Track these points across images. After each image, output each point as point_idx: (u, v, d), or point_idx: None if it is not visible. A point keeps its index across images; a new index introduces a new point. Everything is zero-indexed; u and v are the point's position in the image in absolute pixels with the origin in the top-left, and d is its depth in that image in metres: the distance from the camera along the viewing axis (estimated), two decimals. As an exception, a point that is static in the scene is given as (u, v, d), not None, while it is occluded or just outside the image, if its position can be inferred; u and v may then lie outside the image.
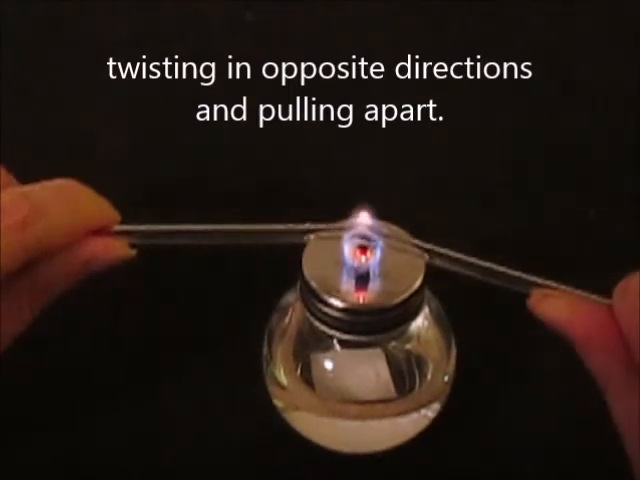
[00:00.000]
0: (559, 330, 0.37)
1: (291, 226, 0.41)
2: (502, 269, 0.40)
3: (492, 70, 0.63)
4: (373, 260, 0.41)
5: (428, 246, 0.41)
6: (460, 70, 0.63)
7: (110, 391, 0.48)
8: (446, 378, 0.44)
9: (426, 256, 0.41)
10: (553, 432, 0.46)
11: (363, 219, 0.41)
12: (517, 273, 0.40)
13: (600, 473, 0.45)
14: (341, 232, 0.41)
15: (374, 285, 0.41)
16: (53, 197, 0.38)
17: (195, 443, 0.46)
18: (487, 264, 0.40)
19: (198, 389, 0.48)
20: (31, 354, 0.41)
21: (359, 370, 0.43)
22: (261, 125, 0.60)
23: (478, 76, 0.63)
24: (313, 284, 0.41)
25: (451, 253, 0.41)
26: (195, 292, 0.51)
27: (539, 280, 0.39)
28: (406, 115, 0.61)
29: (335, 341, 0.42)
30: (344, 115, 0.61)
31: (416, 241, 0.41)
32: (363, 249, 0.41)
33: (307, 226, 0.41)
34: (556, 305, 0.38)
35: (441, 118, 0.60)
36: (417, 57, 0.64)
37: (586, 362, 0.37)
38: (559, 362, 0.48)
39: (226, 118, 0.60)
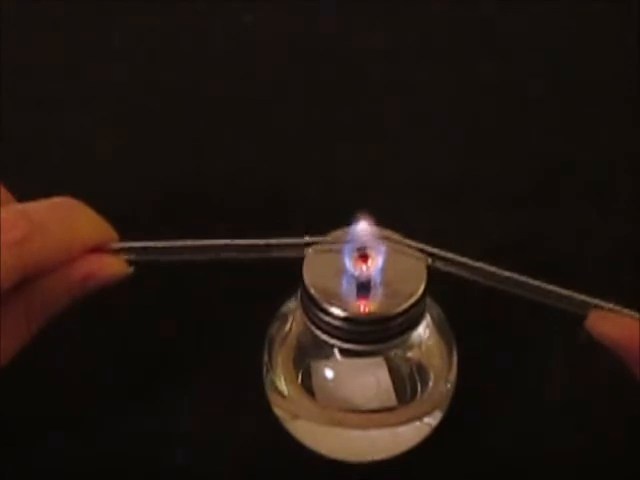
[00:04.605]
0: (615, 349, 0.38)
1: (290, 240, 0.41)
2: (508, 274, 0.40)
3: (493, 72, 0.63)
4: (374, 269, 0.41)
5: (431, 249, 0.41)
6: (461, 72, 0.63)
7: (110, 394, 0.48)
8: (448, 386, 0.44)
9: (429, 260, 0.41)
10: (554, 433, 0.46)
11: (362, 228, 0.41)
12: (537, 282, 0.40)
13: (600, 473, 0.45)
14: (340, 245, 0.41)
15: (375, 294, 0.41)
16: (51, 215, 0.38)
17: (195, 450, 0.46)
18: (493, 269, 0.40)
19: (198, 396, 0.48)
20: (31, 355, 0.41)
21: (360, 379, 0.43)
22: (261, 133, 0.60)
23: (478, 78, 0.63)
24: (314, 292, 0.41)
25: (452, 256, 0.41)
26: (195, 299, 0.51)
27: (555, 288, 0.40)
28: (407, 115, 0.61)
29: (336, 349, 0.42)
30: (344, 117, 0.61)
31: (419, 244, 0.41)
32: (364, 258, 0.41)
33: (306, 239, 0.41)
34: (616, 325, 0.39)
35: (442, 121, 0.60)
36: (418, 58, 0.64)
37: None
38: (561, 364, 0.48)
39: (226, 127, 0.60)
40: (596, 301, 0.39)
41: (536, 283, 0.40)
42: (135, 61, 0.64)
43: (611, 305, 0.39)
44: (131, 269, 0.40)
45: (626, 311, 0.39)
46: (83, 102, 0.62)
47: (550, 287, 0.40)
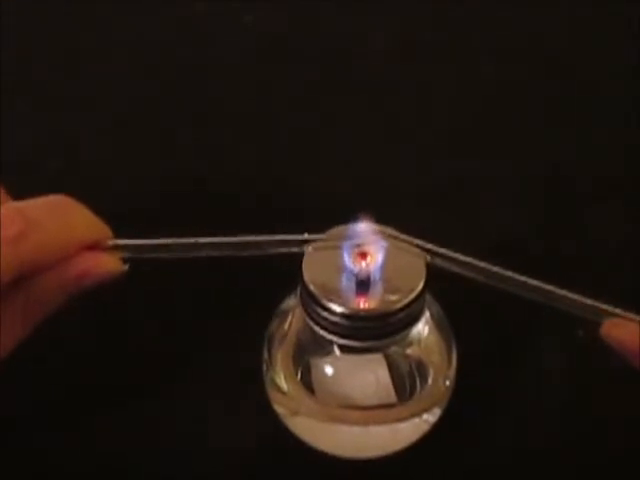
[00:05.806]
0: (622, 353, 0.38)
1: (289, 237, 0.41)
2: (508, 273, 0.40)
3: (493, 72, 0.63)
4: (373, 265, 0.41)
5: (433, 248, 0.41)
6: (461, 72, 0.63)
7: (110, 394, 0.47)
8: (447, 383, 0.44)
9: (428, 257, 0.41)
10: (553, 433, 0.46)
11: (362, 225, 0.41)
12: (537, 282, 0.40)
13: (601, 473, 0.45)
14: (339, 242, 0.41)
15: (375, 290, 0.41)
16: (47, 213, 0.38)
17: (195, 448, 0.46)
18: (495, 268, 0.40)
19: (198, 393, 0.48)
20: (31, 354, 0.41)
21: (359, 375, 0.43)
22: (260, 133, 0.60)
23: (478, 78, 0.63)
24: (313, 289, 0.41)
25: (453, 254, 0.41)
26: (195, 296, 0.51)
27: (555, 289, 0.40)
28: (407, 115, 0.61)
29: (335, 346, 0.42)
30: (344, 117, 0.61)
31: (418, 241, 0.41)
32: (363, 254, 0.41)
33: (305, 236, 0.41)
34: (622, 331, 0.38)
35: (442, 121, 0.60)
36: (418, 58, 0.64)
37: None
38: (560, 363, 0.48)
39: (225, 127, 0.60)
40: (590, 301, 0.39)
41: (536, 283, 0.40)
42: (135, 61, 0.64)
43: (606, 306, 0.39)
44: (126, 267, 0.40)
45: (618, 311, 0.39)
46: (83, 102, 0.62)
47: (550, 287, 0.40)
